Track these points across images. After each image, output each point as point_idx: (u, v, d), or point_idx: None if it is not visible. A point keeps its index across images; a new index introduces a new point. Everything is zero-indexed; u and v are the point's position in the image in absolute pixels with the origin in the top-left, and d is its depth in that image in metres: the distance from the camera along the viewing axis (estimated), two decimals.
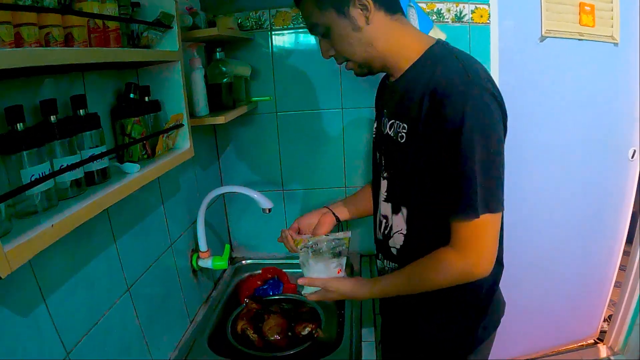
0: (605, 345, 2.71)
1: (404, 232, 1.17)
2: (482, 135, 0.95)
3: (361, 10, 1.05)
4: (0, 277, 0.60)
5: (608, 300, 2.72)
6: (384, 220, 1.23)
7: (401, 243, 1.19)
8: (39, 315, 0.85)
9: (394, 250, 1.22)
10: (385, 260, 1.27)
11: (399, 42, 1.10)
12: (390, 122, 1.15)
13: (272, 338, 1.48)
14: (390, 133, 1.16)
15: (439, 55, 1.07)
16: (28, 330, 0.82)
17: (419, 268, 1.11)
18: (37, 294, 0.85)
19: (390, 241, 1.22)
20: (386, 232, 1.23)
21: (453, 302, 1.17)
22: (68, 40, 0.84)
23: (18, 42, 0.72)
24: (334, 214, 1.48)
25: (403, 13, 1.11)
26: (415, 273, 1.11)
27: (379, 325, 1.52)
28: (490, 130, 0.97)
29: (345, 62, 1.16)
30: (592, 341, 2.76)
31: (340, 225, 1.46)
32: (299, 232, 1.48)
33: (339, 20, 1.06)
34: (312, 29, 1.13)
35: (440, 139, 0.98)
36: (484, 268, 1.04)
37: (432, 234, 1.11)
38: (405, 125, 1.08)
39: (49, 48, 0.77)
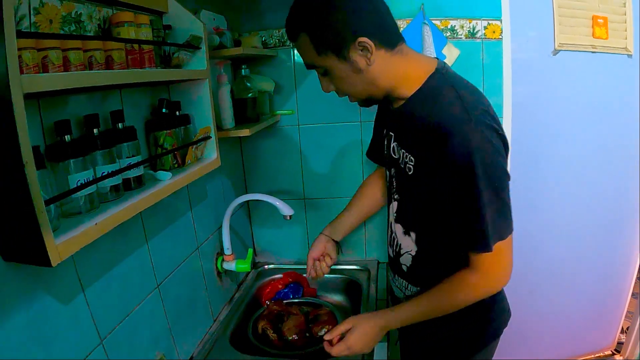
0: (622, 357, 2.68)
1: (413, 253, 1.21)
2: (488, 171, 0.97)
3: (362, 52, 1.02)
4: (50, 265, 0.70)
5: (625, 311, 2.69)
6: (395, 239, 1.27)
7: (410, 262, 1.23)
8: (78, 304, 0.96)
9: (404, 268, 1.26)
10: (395, 275, 1.32)
11: (401, 74, 1.08)
12: (399, 149, 1.17)
13: (291, 338, 1.56)
14: (398, 159, 1.17)
15: (437, 88, 1.06)
16: (68, 317, 0.92)
17: (442, 293, 1.12)
18: (77, 285, 0.95)
19: (401, 259, 1.26)
20: (397, 250, 1.27)
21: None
22: (108, 62, 0.96)
23: (65, 64, 0.84)
24: (329, 237, 1.52)
25: (404, 40, 1.10)
26: (439, 297, 1.13)
27: (392, 330, 1.59)
28: (495, 165, 0.98)
29: (346, 96, 1.15)
30: (609, 352, 2.73)
31: (338, 245, 1.54)
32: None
33: (338, 63, 1.04)
34: (310, 68, 1.11)
35: (449, 177, 1.00)
36: (505, 281, 1.10)
37: (439, 256, 1.17)
38: (412, 158, 1.10)
39: (92, 71, 0.88)
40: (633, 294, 2.66)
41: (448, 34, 1.83)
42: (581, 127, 2.21)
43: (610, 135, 2.27)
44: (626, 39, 2.15)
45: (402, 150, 1.14)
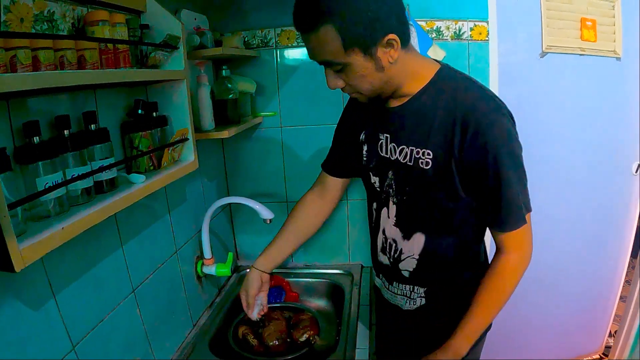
0: None
1: (416, 257, 1.20)
2: (515, 155, 1.05)
3: (386, 49, 0.99)
4: (14, 270, 0.68)
5: (613, 315, 2.70)
6: (393, 245, 1.24)
7: (414, 266, 1.21)
8: (49, 310, 0.93)
9: (405, 274, 1.24)
10: (395, 283, 1.28)
11: (411, 71, 1.08)
12: (401, 147, 1.13)
13: (272, 343, 1.54)
14: (400, 159, 1.14)
15: (452, 80, 1.08)
16: (38, 323, 0.90)
17: (491, 291, 1.14)
18: (48, 290, 0.93)
19: (400, 265, 1.24)
20: (396, 256, 1.24)
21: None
22: (81, 62, 0.93)
23: (35, 64, 0.82)
24: (264, 272, 1.45)
25: (420, 34, 1.13)
26: (491, 297, 1.15)
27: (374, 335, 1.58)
28: (519, 149, 1.06)
29: (353, 93, 1.11)
30: (598, 356, 2.75)
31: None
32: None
33: (363, 60, 0.99)
34: (324, 64, 1.04)
35: (482, 164, 1.03)
36: (531, 253, 1.15)
37: (448, 252, 1.18)
38: (429, 152, 1.07)
39: (63, 71, 0.86)
40: (621, 298, 2.67)
41: (433, 35, 1.83)
42: (569, 130, 2.22)
43: (598, 139, 2.28)
44: (615, 41, 2.16)
45: (412, 148, 1.11)
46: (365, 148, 1.26)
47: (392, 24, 0.96)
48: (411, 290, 1.25)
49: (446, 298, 1.24)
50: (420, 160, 1.09)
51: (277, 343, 1.55)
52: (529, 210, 1.10)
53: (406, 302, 1.27)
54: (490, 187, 1.05)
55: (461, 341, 1.15)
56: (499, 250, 1.14)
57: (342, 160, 1.39)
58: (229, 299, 1.84)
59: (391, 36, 0.97)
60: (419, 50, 1.72)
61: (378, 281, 1.37)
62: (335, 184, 1.43)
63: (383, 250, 1.28)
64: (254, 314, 1.48)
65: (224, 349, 1.54)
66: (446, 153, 1.05)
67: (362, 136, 1.27)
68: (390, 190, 1.20)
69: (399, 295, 1.28)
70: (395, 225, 1.21)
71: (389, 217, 1.23)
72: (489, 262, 1.19)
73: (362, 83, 1.05)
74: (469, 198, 1.09)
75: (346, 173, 1.41)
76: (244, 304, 1.47)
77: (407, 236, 1.20)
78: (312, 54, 1.03)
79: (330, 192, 1.45)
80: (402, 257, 1.22)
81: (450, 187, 1.07)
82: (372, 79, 1.03)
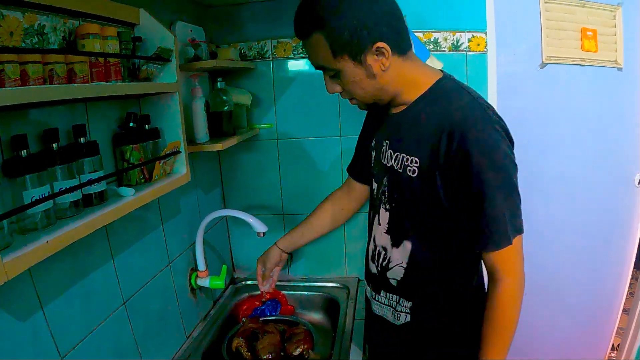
0: None
1: (404, 265, 1.18)
2: (503, 171, 1.00)
3: (377, 57, 1.02)
4: None
5: (616, 328, 2.64)
6: (383, 252, 1.23)
7: (401, 276, 1.19)
8: (37, 321, 0.93)
9: (393, 282, 1.22)
10: (381, 292, 1.27)
11: (410, 79, 1.09)
12: (396, 154, 1.14)
13: (265, 357, 1.53)
14: (394, 165, 1.15)
15: (450, 90, 1.08)
16: (25, 334, 0.90)
17: (496, 322, 1.10)
18: (36, 301, 0.93)
19: (388, 273, 1.22)
20: (384, 264, 1.23)
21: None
22: (70, 76, 0.94)
23: (24, 78, 0.82)
24: (284, 251, 1.56)
25: (412, 47, 1.11)
26: (498, 328, 1.11)
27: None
28: (510, 166, 1.02)
29: (351, 99, 1.14)
30: None
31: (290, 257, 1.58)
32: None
33: (353, 67, 1.03)
34: (319, 68, 1.09)
35: (465, 177, 1.00)
36: (524, 280, 1.11)
37: (435, 263, 1.15)
38: (417, 160, 1.08)
39: (51, 86, 0.86)
40: (624, 310, 2.61)
41: (431, 46, 1.83)
42: (570, 142, 2.19)
43: (600, 150, 2.24)
44: (616, 51, 2.13)
45: (403, 155, 1.11)
46: (373, 154, 1.28)
47: (381, 33, 0.99)
48: (397, 301, 1.22)
49: (431, 317, 1.20)
50: (408, 168, 1.09)
51: (270, 357, 1.53)
52: (518, 232, 1.04)
53: (392, 314, 1.25)
54: (472, 201, 1.02)
55: None
56: (490, 278, 1.10)
57: (361, 164, 1.43)
58: (224, 311, 1.83)
59: (380, 44, 1.00)
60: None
61: (368, 290, 1.35)
62: (359, 187, 1.50)
63: (372, 258, 1.28)
64: (267, 287, 1.58)
65: None
66: (431, 162, 1.04)
67: (372, 143, 1.29)
68: (383, 197, 1.21)
69: (385, 305, 1.26)
70: (387, 232, 1.21)
71: (379, 225, 1.23)
72: (485, 289, 1.17)
73: (356, 89, 1.08)
74: (454, 212, 1.07)
75: (366, 179, 1.44)
76: (259, 275, 1.57)
77: (396, 244, 1.19)
78: (309, 59, 1.09)
79: (355, 194, 1.52)
80: (390, 265, 1.21)
81: (434, 197, 1.06)
82: (365, 85, 1.07)
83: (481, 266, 1.23)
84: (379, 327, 1.33)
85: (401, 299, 1.22)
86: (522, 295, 1.10)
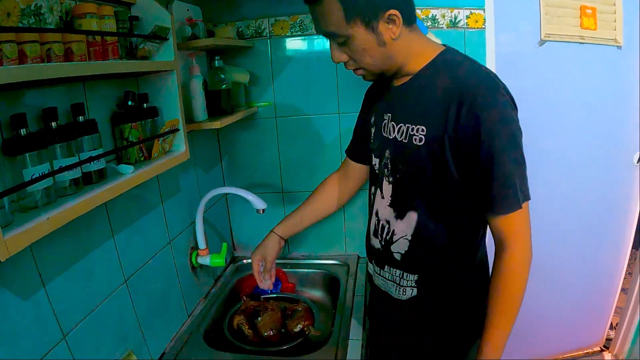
0: (610, 353, 2.66)
1: (409, 237, 1.18)
2: (511, 135, 1.03)
3: (388, 24, 1.04)
4: None
5: (614, 307, 2.67)
6: (386, 226, 1.23)
7: (406, 248, 1.20)
8: (39, 299, 0.94)
9: (397, 256, 1.22)
10: (385, 267, 1.27)
11: (415, 50, 1.11)
12: (399, 125, 1.15)
13: (266, 334, 1.55)
14: (397, 137, 1.16)
15: (455, 60, 1.11)
16: (28, 312, 0.91)
17: (504, 291, 1.11)
18: (37, 279, 0.94)
19: (392, 246, 1.22)
20: (388, 237, 1.23)
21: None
22: (68, 55, 0.93)
23: (21, 58, 0.82)
24: (282, 238, 1.55)
25: (416, 20, 1.12)
26: (505, 297, 1.12)
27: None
28: (517, 131, 1.05)
29: (356, 69, 1.15)
30: (598, 349, 2.72)
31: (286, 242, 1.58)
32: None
33: (365, 33, 1.04)
34: (329, 36, 1.10)
35: (475, 142, 1.02)
36: (531, 249, 1.12)
37: (438, 236, 1.16)
38: (423, 128, 1.08)
39: (49, 64, 0.86)
40: (623, 289, 2.63)
41: (429, 23, 1.81)
42: (568, 120, 2.19)
43: (599, 129, 2.24)
44: (615, 29, 2.11)
45: (408, 125, 1.12)
46: (373, 130, 1.29)
47: (396, 1, 1.02)
48: (401, 276, 1.23)
49: (437, 291, 1.21)
50: (414, 137, 1.10)
51: (271, 333, 1.55)
52: (526, 197, 1.07)
53: (396, 290, 1.25)
54: (483, 166, 1.03)
55: (492, 355, 1.12)
56: (498, 247, 1.11)
57: (360, 146, 1.43)
58: (225, 289, 1.85)
59: (393, 11, 1.02)
60: None
61: (370, 267, 1.36)
62: (357, 168, 1.50)
63: (375, 233, 1.28)
64: (268, 282, 1.56)
65: (218, 339, 1.55)
66: (440, 130, 1.05)
67: (372, 119, 1.30)
68: (386, 170, 1.21)
69: (389, 281, 1.27)
70: (390, 205, 1.22)
71: (383, 198, 1.23)
72: (489, 268, 1.18)
73: (364, 57, 1.09)
74: (462, 180, 1.08)
75: (366, 159, 1.43)
76: (258, 270, 1.54)
77: (400, 215, 1.19)
78: (317, 26, 1.09)
79: (352, 176, 1.52)
80: (395, 238, 1.21)
81: (443, 165, 1.07)
82: (374, 53, 1.08)
83: (484, 243, 1.25)
84: (382, 303, 1.34)
85: (405, 274, 1.22)
86: (530, 266, 1.12)
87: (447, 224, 1.15)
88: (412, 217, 1.17)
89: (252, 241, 2.09)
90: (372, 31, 1.04)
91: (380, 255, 1.28)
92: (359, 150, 1.45)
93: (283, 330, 1.59)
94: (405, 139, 1.13)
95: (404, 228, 1.19)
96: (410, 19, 1.08)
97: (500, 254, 1.11)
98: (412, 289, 1.23)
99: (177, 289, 1.57)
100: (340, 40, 1.08)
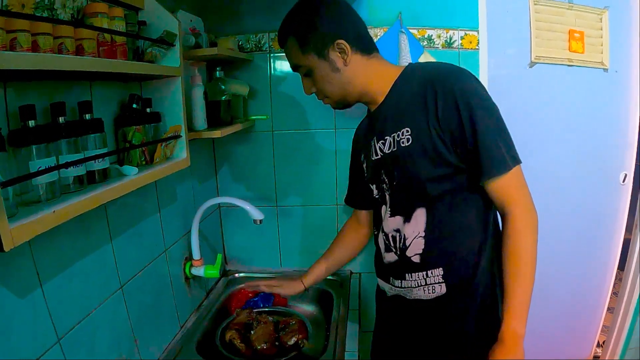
0: None
1: (422, 234, 1.22)
2: (487, 104, 1.12)
3: (339, 53, 1.20)
4: (3, 250, 0.67)
5: (601, 325, 2.67)
6: (397, 235, 1.27)
7: (422, 246, 1.22)
8: (35, 298, 0.92)
9: (416, 259, 1.24)
10: (406, 275, 1.27)
11: (376, 75, 1.25)
12: (385, 139, 1.24)
13: (259, 347, 1.52)
14: (386, 150, 1.24)
15: (420, 65, 1.25)
16: (23, 311, 0.89)
17: (515, 256, 1.14)
18: (35, 278, 0.92)
19: (408, 251, 1.25)
20: (401, 245, 1.26)
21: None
22: (79, 51, 0.93)
23: (35, 49, 0.82)
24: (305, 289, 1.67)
25: (378, 51, 1.26)
26: (518, 261, 1.14)
27: (363, 339, 1.58)
28: (493, 103, 1.14)
29: (324, 98, 1.30)
30: None
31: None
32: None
33: (319, 62, 1.21)
34: (296, 69, 1.28)
35: (456, 118, 1.10)
36: (535, 209, 1.17)
37: (449, 223, 1.20)
38: (407, 129, 1.18)
39: (61, 55, 0.86)
40: (609, 309, 2.64)
41: (425, 43, 1.86)
42: (557, 140, 2.23)
43: (586, 148, 2.28)
44: (602, 53, 2.18)
45: (392, 135, 1.22)
46: (365, 164, 1.39)
47: (342, 33, 1.19)
48: (425, 276, 1.24)
49: (466, 279, 1.21)
50: (402, 141, 1.19)
51: (265, 346, 1.53)
52: (517, 161, 1.13)
53: (424, 291, 1.25)
54: (469, 139, 1.11)
55: (515, 324, 1.10)
56: (502, 217, 1.17)
57: (359, 193, 1.53)
58: (217, 302, 1.82)
59: (340, 41, 1.19)
60: (410, 58, 1.76)
61: (387, 286, 1.36)
62: (365, 213, 1.61)
63: (387, 248, 1.31)
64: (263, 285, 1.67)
65: (211, 351, 1.52)
66: (424, 123, 1.14)
67: (362, 156, 1.41)
68: (384, 185, 1.28)
69: (415, 288, 1.26)
70: (392, 215, 1.27)
71: (385, 212, 1.29)
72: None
73: (325, 85, 1.25)
74: (457, 161, 1.14)
75: (368, 204, 1.52)
76: (267, 289, 1.67)
77: (407, 218, 1.24)
78: (289, 62, 1.30)
79: (363, 221, 1.64)
80: (408, 242, 1.24)
81: (436, 154, 1.14)
82: (332, 80, 1.24)
83: (497, 220, 1.26)
84: (405, 313, 1.33)
85: (429, 272, 1.23)
86: (536, 228, 1.16)
87: (456, 208, 1.19)
88: (419, 214, 1.21)
89: (244, 254, 2.10)
90: (324, 59, 1.21)
91: (397, 267, 1.30)
92: (360, 196, 1.53)
93: (277, 343, 1.56)
94: (394, 147, 1.22)
95: (415, 228, 1.23)
96: (363, 48, 1.23)
97: (504, 223, 1.16)
98: (440, 286, 1.23)
99: (171, 299, 1.54)
100: (303, 71, 1.26)
